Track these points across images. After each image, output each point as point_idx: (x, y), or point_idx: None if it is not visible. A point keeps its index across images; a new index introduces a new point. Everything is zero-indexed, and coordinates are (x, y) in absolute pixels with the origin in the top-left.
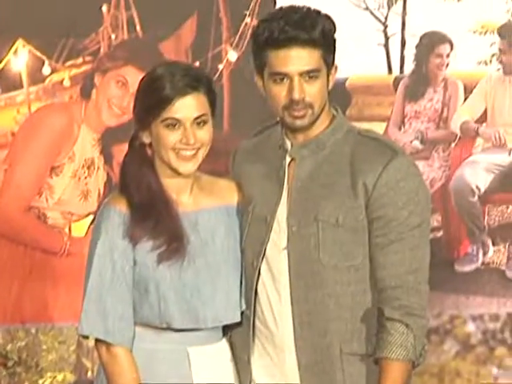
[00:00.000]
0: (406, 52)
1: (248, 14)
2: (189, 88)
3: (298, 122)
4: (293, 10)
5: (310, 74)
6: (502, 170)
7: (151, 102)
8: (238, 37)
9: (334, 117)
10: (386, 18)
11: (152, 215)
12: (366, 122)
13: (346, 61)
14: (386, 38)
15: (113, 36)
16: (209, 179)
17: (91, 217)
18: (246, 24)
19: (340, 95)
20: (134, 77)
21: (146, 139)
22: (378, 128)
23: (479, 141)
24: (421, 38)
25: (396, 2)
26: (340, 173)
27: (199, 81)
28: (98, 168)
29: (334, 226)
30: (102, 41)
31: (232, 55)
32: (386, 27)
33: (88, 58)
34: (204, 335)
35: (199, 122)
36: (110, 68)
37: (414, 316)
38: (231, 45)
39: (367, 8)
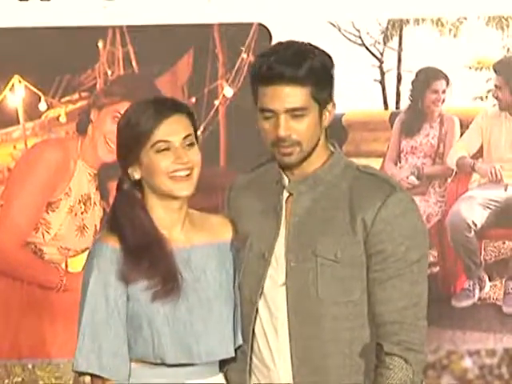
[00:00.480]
0: (401, 88)
1: (244, 49)
2: (172, 110)
3: (286, 160)
4: (287, 45)
5: (296, 113)
6: (498, 205)
7: (137, 131)
8: (234, 72)
9: (331, 153)
10: (381, 54)
11: (147, 256)
12: (362, 157)
13: (341, 97)
14: (382, 74)
15: (109, 72)
16: (200, 215)
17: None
18: (242, 60)
19: (336, 131)
20: None
21: (136, 174)
22: (375, 164)
23: (475, 176)
24: (417, 74)
25: (392, 38)
26: (338, 208)
27: (180, 104)
28: (95, 204)
29: (332, 262)
30: (98, 77)
31: (228, 91)
32: (381, 63)
33: (84, 94)
34: (199, 370)
35: (188, 142)
36: (106, 104)
37: (413, 351)
38: (227, 80)
39: (363, 44)
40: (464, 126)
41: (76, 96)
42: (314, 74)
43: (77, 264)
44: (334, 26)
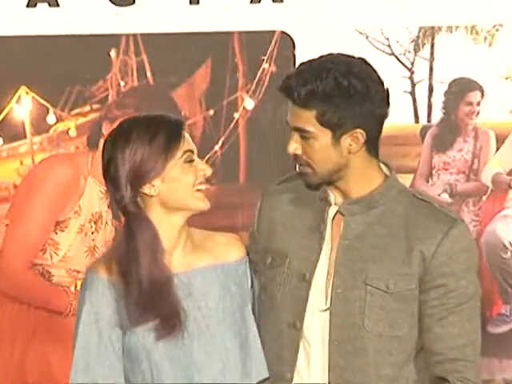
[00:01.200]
0: (433, 99)
1: (265, 59)
2: (181, 123)
3: (302, 179)
4: (313, 61)
5: (302, 134)
6: None
7: (163, 142)
8: (254, 83)
9: (386, 177)
10: (412, 64)
11: (152, 295)
12: None
13: None
14: (413, 85)
15: (122, 83)
16: (202, 234)
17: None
18: (263, 70)
19: None
20: None
21: (154, 191)
22: (405, 180)
23: None
24: (449, 85)
25: (423, 47)
26: (393, 236)
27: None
28: (106, 223)
29: (383, 293)
30: (111, 88)
31: (249, 103)
32: (412, 73)
33: (95, 106)
34: None
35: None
36: (119, 116)
37: None
38: (248, 92)
39: (392, 53)
40: (500, 141)
41: (87, 108)
42: (318, 97)
43: None
44: (362, 33)
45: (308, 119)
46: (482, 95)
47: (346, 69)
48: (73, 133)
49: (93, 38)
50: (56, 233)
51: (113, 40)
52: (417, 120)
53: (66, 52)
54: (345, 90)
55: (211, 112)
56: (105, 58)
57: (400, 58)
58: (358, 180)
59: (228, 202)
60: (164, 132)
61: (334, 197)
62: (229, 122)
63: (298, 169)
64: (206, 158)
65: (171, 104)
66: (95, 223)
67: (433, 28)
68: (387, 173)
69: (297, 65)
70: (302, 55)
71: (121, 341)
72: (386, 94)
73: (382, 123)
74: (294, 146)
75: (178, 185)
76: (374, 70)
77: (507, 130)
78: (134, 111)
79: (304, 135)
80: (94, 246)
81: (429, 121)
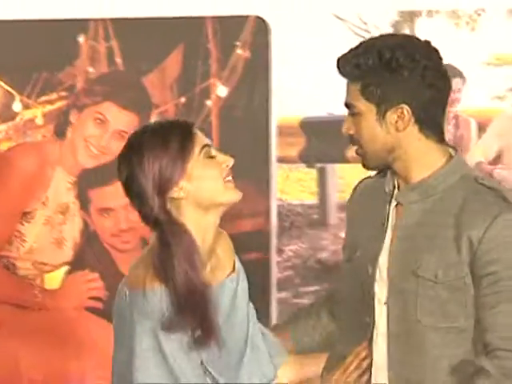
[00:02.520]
0: None
1: (239, 45)
2: (191, 124)
3: (361, 161)
4: (371, 39)
5: (350, 110)
6: None
7: (179, 144)
8: (228, 70)
9: (449, 159)
10: None
11: (196, 304)
12: None
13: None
14: None
15: (90, 69)
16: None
17: (66, 267)
18: (237, 56)
19: (340, 134)
20: (113, 114)
21: (182, 192)
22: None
23: None
24: None
25: (402, 31)
26: (446, 224)
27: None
28: (74, 214)
29: (432, 283)
30: (79, 75)
31: (221, 90)
32: None
33: (63, 94)
34: None
35: None
36: (88, 104)
37: (509, 380)
38: (221, 79)
39: None
40: (482, 129)
41: (54, 96)
42: (360, 71)
43: (54, 280)
44: (339, 18)
45: (354, 94)
46: (463, 82)
47: (392, 42)
48: (40, 121)
49: (60, 23)
50: (22, 224)
51: (81, 25)
52: None
53: (32, 37)
54: (387, 63)
55: (183, 99)
56: (73, 43)
57: None
58: (415, 163)
59: None
60: (175, 134)
61: (397, 184)
62: (201, 109)
63: (355, 151)
64: None
65: (142, 91)
66: (62, 214)
67: (413, 12)
68: (452, 153)
69: (272, 50)
70: (278, 41)
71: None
72: (442, 71)
73: (438, 101)
74: (346, 126)
75: (205, 181)
76: (434, 49)
77: (489, 118)
78: (103, 99)
79: (352, 112)
80: (61, 237)
81: None
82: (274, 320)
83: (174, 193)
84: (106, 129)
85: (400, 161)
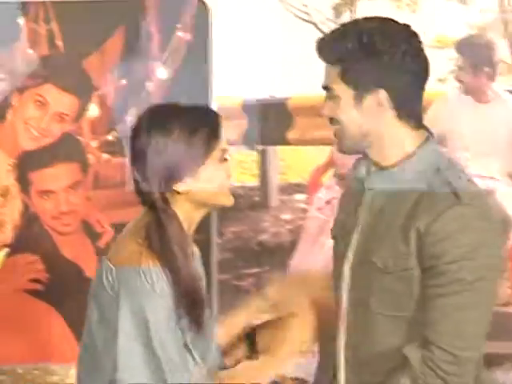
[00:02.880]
0: None
1: (180, 27)
2: (220, 121)
3: (337, 144)
4: (351, 21)
5: (329, 93)
6: None
7: (202, 139)
8: (168, 52)
9: (424, 141)
10: None
11: (188, 290)
12: (309, 145)
13: (287, 79)
14: None
15: (31, 52)
16: None
17: (5, 250)
18: (177, 38)
19: (281, 116)
20: (54, 96)
21: (184, 187)
22: (323, 152)
23: None
24: None
25: (343, 14)
26: (400, 213)
27: (219, 114)
28: (14, 196)
29: (382, 271)
30: (19, 57)
31: (162, 72)
32: None
33: (3, 76)
34: None
35: None
36: (28, 87)
37: (432, 372)
38: (161, 61)
39: (311, 21)
40: (423, 111)
41: None
42: (339, 54)
43: None
44: (280, 0)
45: (333, 77)
46: None
47: (371, 25)
48: None
49: (0, 5)
50: None
51: (21, 7)
52: None
53: None
54: (367, 47)
55: (124, 82)
56: (13, 25)
57: (319, 25)
58: (388, 149)
59: None
60: (206, 128)
61: (368, 170)
62: (142, 92)
63: (333, 132)
64: (118, 128)
65: (82, 73)
66: (3, 197)
67: None
68: (426, 136)
69: (213, 33)
70: (219, 23)
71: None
72: (422, 55)
73: (416, 85)
74: (326, 109)
75: (210, 184)
76: (414, 33)
77: (430, 101)
78: (44, 81)
79: (330, 94)
80: (1, 220)
81: None
82: (214, 303)
83: (178, 186)
84: (47, 111)
85: (374, 146)
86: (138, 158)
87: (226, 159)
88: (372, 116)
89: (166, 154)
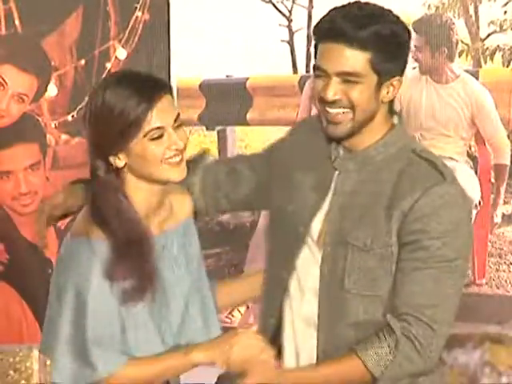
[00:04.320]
0: (312, 49)
1: (139, 7)
2: (158, 91)
3: (331, 130)
4: (361, 5)
5: (349, 78)
6: None
7: (125, 121)
8: (127, 32)
9: (391, 128)
10: (290, 12)
11: (133, 252)
12: (268, 125)
13: (245, 59)
14: (291, 34)
15: None
16: (163, 191)
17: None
18: (136, 18)
19: (240, 97)
20: (12, 76)
21: (120, 163)
22: (281, 132)
23: None
24: None
25: None
26: (381, 193)
27: (161, 81)
28: None
29: (360, 250)
30: None
31: (121, 53)
32: (290, 22)
33: None
34: None
35: (177, 124)
36: None
37: (416, 351)
38: (120, 41)
39: (270, 0)
40: None
41: None
42: (379, 39)
43: None
44: None
45: (361, 62)
46: None
47: (394, 17)
48: None
49: None
50: None
51: None
52: (295, 70)
53: None
54: (397, 37)
55: (83, 62)
56: None
57: (277, 5)
58: (369, 133)
59: None
60: (132, 107)
61: (339, 153)
62: (101, 72)
63: (331, 117)
64: (78, 109)
65: (41, 53)
66: None
67: None
68: (395, 123)
69: (171, 12)
70: (177, 2)
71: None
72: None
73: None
74: (333, 91)
75: (143, 161)
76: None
77: None
78: (2, 61)
79: (350, 79)
80: None
81: (307, 71)
82: None
83: (112, 160)
84: (5, 91)
85: (362, 132)
86: (84, 125)
87: (160, 137)
88: (381, 103)
89: (94, 128)
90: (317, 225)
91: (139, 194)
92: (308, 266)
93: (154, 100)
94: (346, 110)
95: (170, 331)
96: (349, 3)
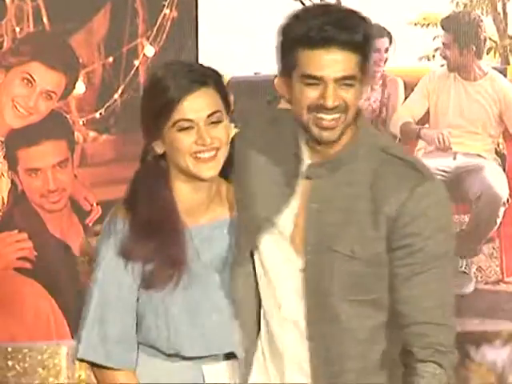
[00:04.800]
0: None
1: (166, 4)
2: (196, 84)
3: (326, 135)
4: (332, 8)
5: (346, 82)
6: (446, 175)
7: (157, 107)
8: (155, 30)
9: (357, 128)
10: None
11: (156, 235)
12: None
13: (273, 56)
14: None
15: (17, 29)
16: (209, 187)
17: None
18: (164, 16)
19: (268, 94)
20: (40, 74)
21: (159, 150)
22: None
23: (421, 144)
24: None
25: None
26: (360, 198)
27: (206, 75)
28: (2, 174)
29: (349, 258)
30: (6, 34)
31: (149, 50)
32: None
33: None
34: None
35: (214, 120)
36: (15, 64)
37: (443, 354)
38: (148, 38)
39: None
40: (409, 89)
41: None
42: (367, 41)
43: None
44: None
45: (354, 64)
46: (390, 41)
47: (361, 16)
48: None
49: None
50: None
51: None
52: None
53: None
54: (371, 36)
55: (110, 59)
56: None
57: (305, 2)
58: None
59: (128, 152)
60: (164, 95)
61: (308, 154)
62: (129, 69)
63: (327, 123)
64: (106, 106)
65: (69, 51)
66: None
67: None
68: (360, 124)
69: (198, 10)
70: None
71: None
72: None
73: None
74: (334, 98)
75: (172, 150)
76: None
77: (416, 78)
78: (30, 59)
79: (347, 83)
80: None
81: None
82: None
83: (155, 145)
84: (34, 89)
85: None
86: None
87: (186, 128)
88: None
89: (143, 108)
90: (287, 223)
91: (180, 186)
92: (280, 262)
93: (189, 90)
94: (341, 114)
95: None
96: (318, 6)
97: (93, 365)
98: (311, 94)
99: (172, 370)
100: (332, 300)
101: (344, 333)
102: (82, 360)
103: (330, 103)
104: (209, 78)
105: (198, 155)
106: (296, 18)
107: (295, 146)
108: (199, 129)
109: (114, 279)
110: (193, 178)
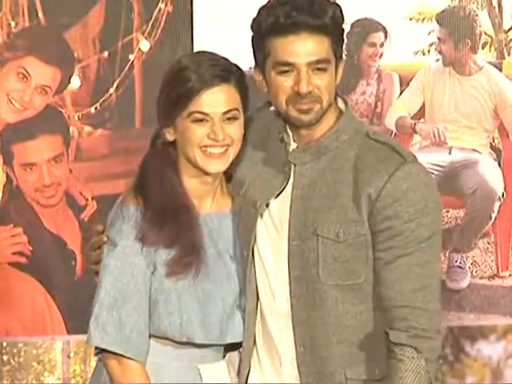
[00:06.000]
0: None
1: None
2: (217, 79)
3: (304, 117)
4: None
5: (319, 66)
6: (441, 170)
7: (176, 94)
8: (150, 24)
9: (340, 114)
10: None
11: (171, 221)
12: None
13: None
14: None
15: (12, 23)
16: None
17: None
18: (159, 10)
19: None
20: (36, 68)
21: (169, 137)
22: None
23: (416, 138)
24: (352, 26)
25: None
26: (343, 182)
27: (229, 72)
28: None
29: (333, 242)
30: (1, 28)
31: (144, 44)
32: None
33: None
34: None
35: (229, 117)
36: (10, 59)
37: (422, 338)
38: (143, 33)
39: None
40: (404, 83)
41: None
42: (336, 24)
43: None
44: None
45: (326, 47)
46: (386, 36)
47: (335, 2)
48: None
49: None
50: None
51: None
52: None
53: None
54: (342, 19)
55: (106, 54)
56: None
57: None
58: (324, 122)
59: (123, 147)
60: (185, 84)
61: (293, 139)
62: (124, 64)
63: (302, 106)
64: (101, 101)
65: (64, 45)
66: None
67: None
68: (342, 108)
69: (193, 4)
70: None
71: (151, 279)
72: None
73: None
74: (309, 84)
75: (183, 139)
76: None
77: (411, 72)
78: (25, 53)
79: (320, 67)
80: None
81: None
82: None
83: (166, 132)
84: (29, 83)
85: (321, 118)
86: None
87: (200, 120)
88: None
89: (161, 93)
90: (277, 210)
91: (190, 178)
92: (271, 251)
93: (209, 84)
94: (314, 102)
95: (224, 314)
96: None
97: (105, 352)
98: (286, 82)
99: (171, 369)
100: (318, 285)
101: (330, 319)
102: (97, 348)
103: (304, 88)
104: (231, 74)
105: (208, 149)
106: (265, 8)
107: (281, 132)
108: (213, 123)
109: (128, 265)
110: (199, 170)
